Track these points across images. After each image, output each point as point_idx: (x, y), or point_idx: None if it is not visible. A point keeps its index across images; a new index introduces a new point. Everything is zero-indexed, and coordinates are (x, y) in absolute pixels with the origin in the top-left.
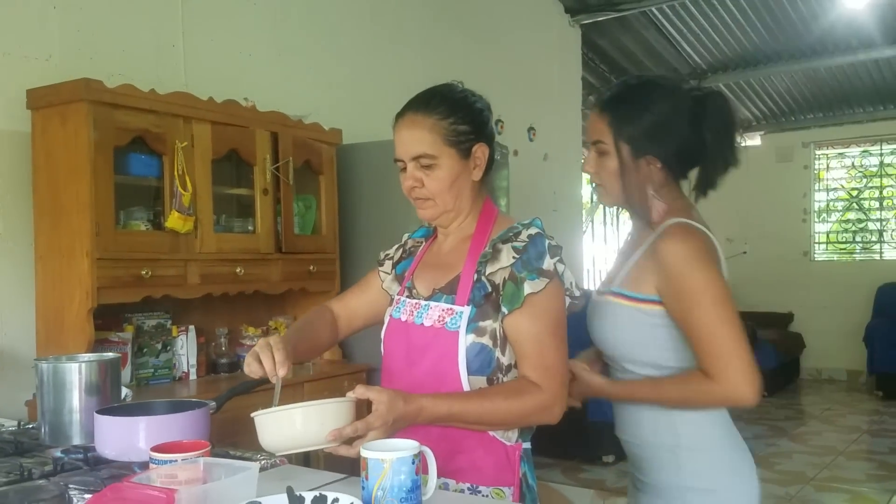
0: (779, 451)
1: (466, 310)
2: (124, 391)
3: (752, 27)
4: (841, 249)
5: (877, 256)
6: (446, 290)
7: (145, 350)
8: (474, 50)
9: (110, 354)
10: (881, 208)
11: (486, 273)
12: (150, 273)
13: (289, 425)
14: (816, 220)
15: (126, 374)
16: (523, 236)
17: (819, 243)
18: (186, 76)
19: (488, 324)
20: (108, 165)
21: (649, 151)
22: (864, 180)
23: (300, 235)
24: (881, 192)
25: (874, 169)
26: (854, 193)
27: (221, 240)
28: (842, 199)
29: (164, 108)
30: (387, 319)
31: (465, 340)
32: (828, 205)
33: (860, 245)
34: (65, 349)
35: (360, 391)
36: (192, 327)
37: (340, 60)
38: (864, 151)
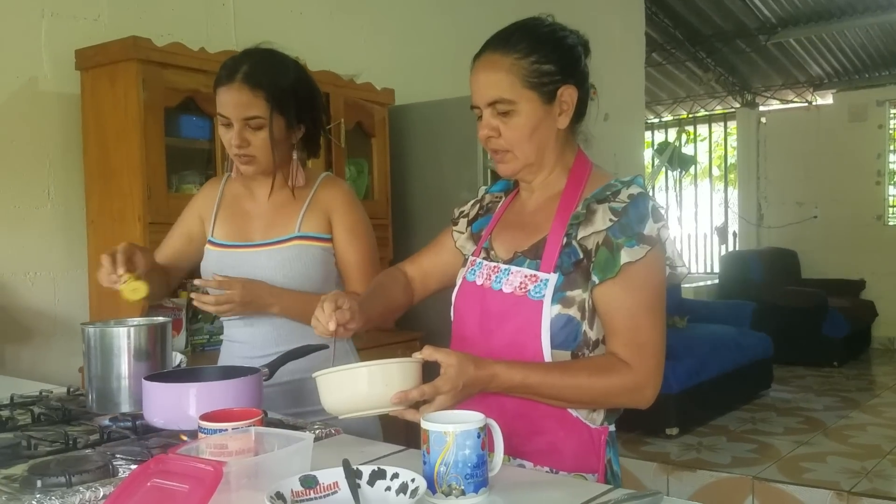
0: (851, 424)
1: (553, 277)
2: (178, 357)
3: None
4: None
5: None
6: (530, 253)
7: (200, 317)
8: (533, 3)
9: (160, 318)
10: None
11: (578, 237)
12: None
13: (351, 386)
14: (891, 182)
15: (181, 340)
16: (623, 196)
17: (893, 207)
18: (237, 35)
19: (577, 294)
20: (158, 127)
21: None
22: None
23: None
24: None
25: None
26: None
27: None
28: None
29: (214, 67)
30: (459, 281)
31: (550, 311)
32: None
33: None
34: (117, 315)
35: (428, 352)
36: None
37: (392, 17)
38: None
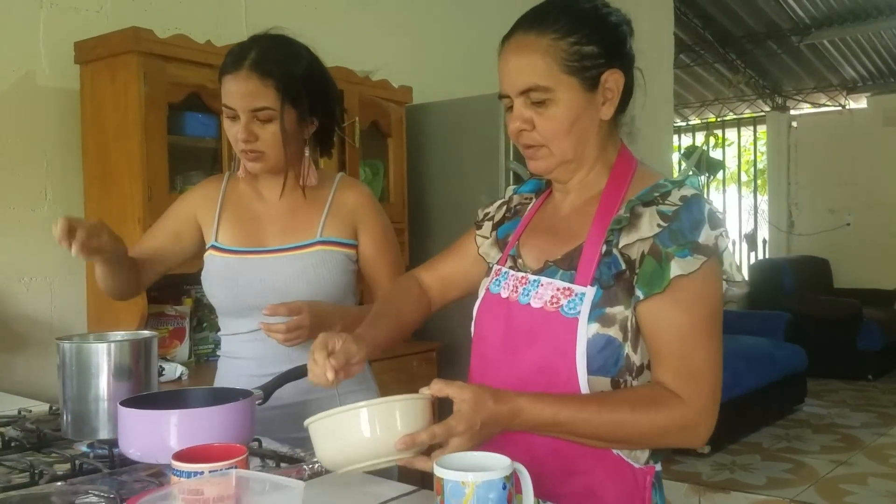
0: (891, 442)
1: (590, 291)
2: (180, 370)
3: None
4: None
5: None
6: (563, 263)
7: (205, 325)
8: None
9: (145, 333)
10: None
11: (620, 245)
12: None
13: (348, 432)
14: None
15: (184, 350)
16: (673, 198)
17: None
18: (248, 29)
19: (618, 311)
20: (160, 124)
21: None
22: None
23: None
24: None
25: None
26: None
27: None
28: None
29: (221, 61)
30: (482, 293)
31: (587, 331)
32: None
33: None
34: (117, 324)
35: (437, 387)
36: None
37: (411, 12)
38: None
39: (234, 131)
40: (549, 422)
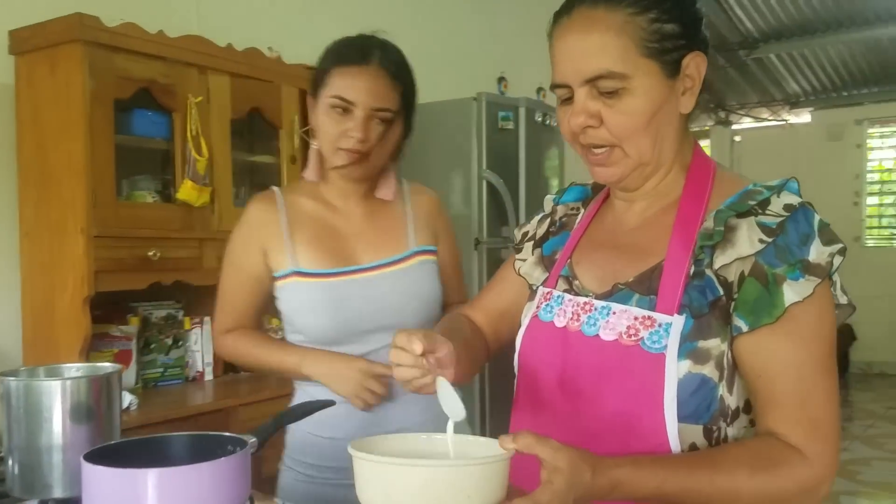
0: (855, 458)
1: (678, 321)
2: (128, 398)
3: None
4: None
5: None
6: (639, 286)
7: (153, 346)
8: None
9: (108, 366)
10: None
11: (716, 265)
12: (158, 254)
13: (401, 490)
14: (869, 202)
15: (130, 375)
16: (775, 207)
17: (871, 228)
18: (199, 20)
19: (713, 345)
20: (107, 122)
21: None
22: None
23: None
24: None
25: None
26: None
27: None
28: None
29: (174, 54)
30: (527, 321)
31: (678, 369)
32: (881, 187)
33: None
34: (55, 346)
35: (526, 442)
36: (207, 319)
37: (372, 11)
38: None
39: (341, 126)
40: (653, 494)
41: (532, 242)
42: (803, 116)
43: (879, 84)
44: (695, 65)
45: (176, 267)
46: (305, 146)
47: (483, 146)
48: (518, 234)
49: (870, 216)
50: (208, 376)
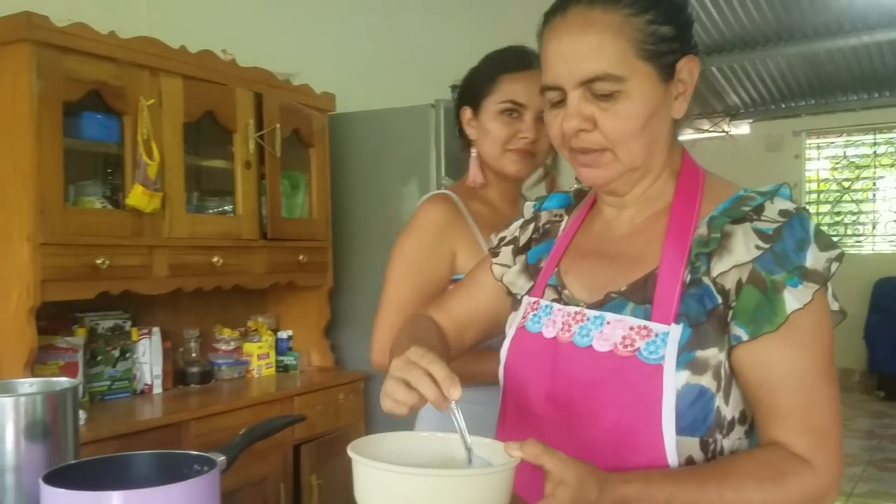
0: None
1: (675, 330)
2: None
3: (756, 4)
4: None
5: (870, 249)
6: (633, 295)
7: (100, 358)
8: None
9: (64, 381)
10: (874, 199)
11: (714, 272)
12: (106, 262)
13: (401, 498)
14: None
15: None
16: (770, 212)
17: None
18: (150, 21)
19: (710, 354)
20: (55, 126)
21: None
22: (857, 171)
23: (288, 219)
24: (874, 183)
25: (867, 159)
26: (846, 185)
27: (195, 222)
28: (834, 191)
29: (126, 55)
30: (512, 332)
31: (676, 380)
32: (819, 196)
33: (853, 238)
34: (0, 365)
35: (533, 452)
36: (156, 329)
37: (331, 12)
38: (856, 141)
39: (509, 129)
40: None
41: (512, 248)
42: (743, 128)
43: (816, 96)
44: (688, 69)
45: (125, 275)
46: (260, 151)
47: (441, 152)
48: (495, 239)
49: None
50: (157, 389)
